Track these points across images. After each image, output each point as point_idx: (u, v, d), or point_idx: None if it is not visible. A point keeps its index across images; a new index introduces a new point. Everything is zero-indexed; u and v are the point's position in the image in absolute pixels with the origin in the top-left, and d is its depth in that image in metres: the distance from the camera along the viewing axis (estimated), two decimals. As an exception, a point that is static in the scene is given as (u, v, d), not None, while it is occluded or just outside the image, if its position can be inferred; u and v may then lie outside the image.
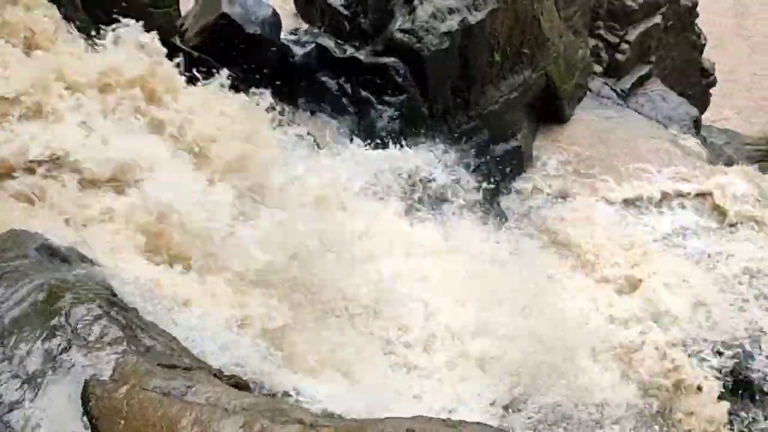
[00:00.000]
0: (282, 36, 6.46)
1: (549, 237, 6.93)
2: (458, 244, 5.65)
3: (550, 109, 8.16)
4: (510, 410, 4.67)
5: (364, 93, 6.65)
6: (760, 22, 12.84)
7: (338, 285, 4.26)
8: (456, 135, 6.95)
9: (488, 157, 7.12)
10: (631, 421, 5.32)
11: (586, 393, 5.11)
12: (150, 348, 2.46)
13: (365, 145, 6.16)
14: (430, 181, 6.16)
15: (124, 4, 5.13)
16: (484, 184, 6.57)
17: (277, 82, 5.98)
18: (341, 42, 6.82)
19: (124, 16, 4.95)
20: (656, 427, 5.38)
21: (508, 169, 7.36)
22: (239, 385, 2.54)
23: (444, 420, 2.18)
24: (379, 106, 6.62)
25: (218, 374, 2.52)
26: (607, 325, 5.98)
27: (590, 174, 7.74)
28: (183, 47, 5.72)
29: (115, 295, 2.75)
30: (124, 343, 2.39)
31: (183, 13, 6.20)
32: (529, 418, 4.74)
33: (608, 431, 4.97)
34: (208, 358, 2.83)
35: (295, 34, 6.83)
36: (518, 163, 7.51)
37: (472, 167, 6.64)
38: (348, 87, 6.65)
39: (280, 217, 4.24)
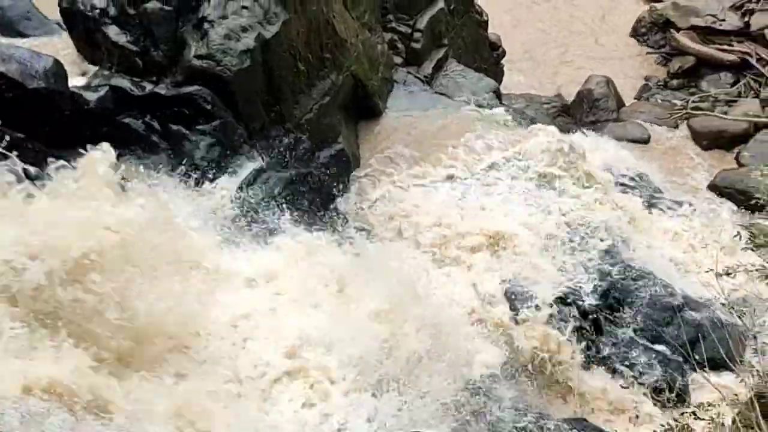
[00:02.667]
0: (70, 84, 6.02)
1: (390, 229, 7.07)
2: (302, 257, 5.58)
3: (364, 106, 8.33)
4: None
5: (174, 127, 6.39)
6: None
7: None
8: (279, 149, 6.88)
9: (315, 164, 7.12)
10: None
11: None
12: None
13: (186, 180, 5.90)
14: (257, 203, 6.03)
15: None
16: (317, 193, 6.55)
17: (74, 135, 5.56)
18: (137, 79, 6.50)
19: None
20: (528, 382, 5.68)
21: (337, 173, 7.41)
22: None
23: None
24: (194, 137, 6.38)
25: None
26: (466, 296, 6.20)
27: (415, 160, 7.99)
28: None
29: None
30: None
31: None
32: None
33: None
34: None
35: (85, 80, 6.42)
36: (345, 164, 7.59)
37: (300, 178, 6.59)
38: (155, 124, 6.34)
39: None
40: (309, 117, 7.28)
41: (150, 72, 6.48)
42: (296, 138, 7.10)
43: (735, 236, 3.66)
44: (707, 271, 4.50)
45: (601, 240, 7.23)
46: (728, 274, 3.53)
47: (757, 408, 2.95)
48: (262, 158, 6.51)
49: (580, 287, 6.64)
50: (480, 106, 8.79)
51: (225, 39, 6.38)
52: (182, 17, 6.51)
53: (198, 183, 6.03)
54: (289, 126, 7.06)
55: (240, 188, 6.10)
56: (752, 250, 3.52)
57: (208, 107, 6.33)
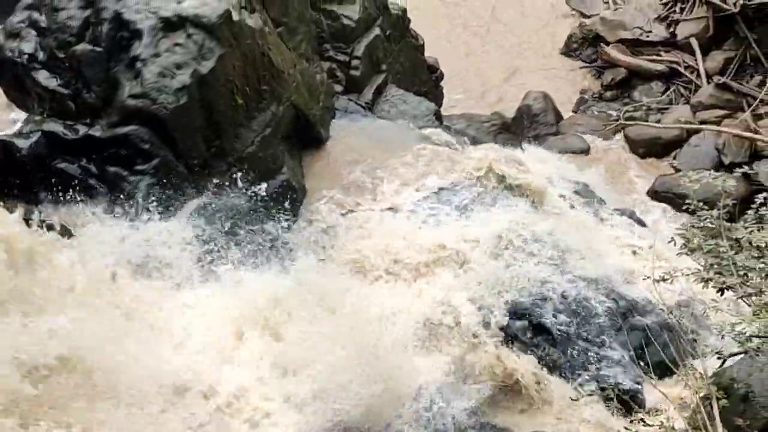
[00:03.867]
0: (0, 132, 5.88)
1: (341, 257, 7.05)
2: (250, 297, 5.52)
3: (307, 136, 8.32)
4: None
5: (112, 169, 6.28)
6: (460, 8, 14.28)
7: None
8: (222, 184, 6.81)
9: (260, 197, 7.07)
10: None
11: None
12: None
13: (126, 222, 5.78)
14: (207, 242, 5.95)
15: None
16: (263, 226, 6.49)
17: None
18: (71, 123, 6.38)
19: None
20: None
21: (282, 204, 7.37)
22: None
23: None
24: (133, 178, 6.28)
25: None
26: (415, 315, 6.21)
27: (360, 186, 8.01)
28: None
29: None
30: None
31: None
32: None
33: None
34: None
35: (16, 127, 6.26)
36: (291, 194, 7.55)
37: (245, 211, 6.53)
38: (92, 167, 6.23)
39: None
40: (251, 150, 7.24)
41: (83, 115, 6.38)
42: (239, 172, 7.04)
43: (669, 242, 3.75)
44: (644, 279, 4.60)
45: (548, 251, 7.36)
46: (665, 280, 3.63)
47: (703, 410, 3.02)
48: (205, 195, 6.43)
49: (530, 299, 6.74)
50: (422, 128, 8.90)
51: (159, 77, 6.32)
52: (114, 58, 6.44)
53: (138, 223, 5.90)
54: (230, 160, 7.01)
55: (182, 226, 6.00)
56: (687, 254, 3.62)
57: (146, 147, 6.25)
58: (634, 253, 7.91)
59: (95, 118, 6.38)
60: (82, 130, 6.29)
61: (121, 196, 6.11)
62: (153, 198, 6.19)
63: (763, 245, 3.30)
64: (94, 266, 4.79)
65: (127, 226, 5.82)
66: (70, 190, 6.02)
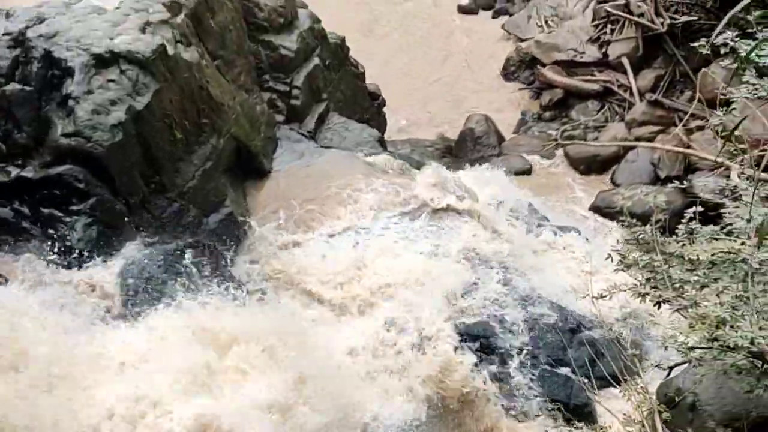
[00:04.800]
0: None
1: (287, 287, 6.97)
2: (188, 331, 5.38)
3: (249, 167, 8.25)
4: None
5: (46, 210, 6.10)
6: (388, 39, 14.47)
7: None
8: (163, 220, 6.68)
9: (203, 231, 6.95)
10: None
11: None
12: None
13: (63, 264, 5.60)
14: (148, 279, 5.80)
15: None
16: (207, 260, 6.37)
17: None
18: (2, 165, 6.18)
19: None
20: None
21: (227, 237, 7.26)
22: None
23: None
24: (68, 219, 6.11)
25: None
26: (364, 343, 6.17)
27: (307, 216, 7.96)
28: None
29: None
30: None
31: None
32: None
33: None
34: None
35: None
36: (235, 227, 7.45)
37: (188, 247, 6.40)
38: (25, 209, 6.03)
39: None
40: (192, 184, 7.13)
41: (15, 156, 6.20)
42: (180, 207, 6.92)
43: (606, 258, 3.82)
44: (583, 297, 4.67)
45: (496, 272, 7.43)
46: (603, 297, 3.69)
47: (647, 425, 3.06)
48: (145, 232, 6.29)
49: (480, 320, 6.77)
50: (365, 155, 8.92)
51: (93, 114, 6.19)
52: (45, 96, 6.29)
53: (74, 266, 5.72)
54: (171, 195, 6.89)
55: (121, 266, 5.84)
56: (623, 270, 3.69)
57: (81, 186, 6.09)
58: (579, 268, 8.06)
59: (27, 159, 6.20)
60: (14, 171, 6.10)
61: (56, 238, 5.92)
62: (89, 238, 6.02)
63: (695, 258, 3.39)
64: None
65: (60, 267, 5.61)
66: (3, 235, 5.80)
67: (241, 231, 7.52)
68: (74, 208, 6.08)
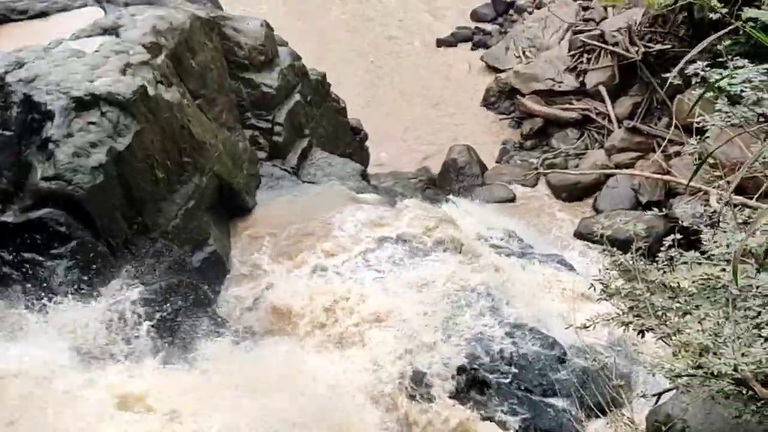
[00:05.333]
0: None
1: (274, 325, 6.91)
2: (176, 376, 5.32)
3: (233, 205, 8.24)
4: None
5: (26, 255, 6.04)
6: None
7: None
8: (146, 261, 6.63)
9: (187, 271, 6.91)
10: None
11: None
12: None
13: (42, 308, 5.53)
14: (123, 323, 5.74)
15: None
16: (191, 299, 6.33)
17: None
18: (-19, 209, 6.12)
19: None
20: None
21: (212, 276, 7.22)
22: None
23: None
24: (50, 263, 6.06)
25: None
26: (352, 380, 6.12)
27: (291, 251, 7.93)
28: None
29: None
30: None
31: None
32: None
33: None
34: None
35: None
36: (220, 265, 7.42)
37: (172, 287, 6.35)
38: (5, 254, 5.97)
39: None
40: (175, 223, 7.11)
41: (-6, 201, 6.14)
42: (163, 246, 6.88)
43: (589, 288, 3.83)
44: (566, 328, 4.67)
45: (482, 302, 7.42)
46: (586, 328, 3.69)
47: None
48: (128, 274, 6.23)
49: (469, 351, 6.74)
50: (349, 189, 8.94)
51: (74, 157, 6.18)
52: (25, 141, 6.28)
53: (55, 309, 5.65)
54: (154, 235, 6.85)
55: (104, 309, 5.78)
56: (606, 300, 3.70)
57: (62, 229, 6.05)
58: (564, 295, 8.07)
59: (7, 204, 6.16)
60: (-7, 216, 6.05)
61: (38, 282, 5.86)
62: (71, 281, 5.97)
63: (676, 285, 3.40)
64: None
65: (42, 312, 5.55)
66: (-18, 281, 5.74)
67: (225, 269, 7.48)
68: (55, 251, 6.04)
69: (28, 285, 5.87)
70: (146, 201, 6.79)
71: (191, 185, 7.43)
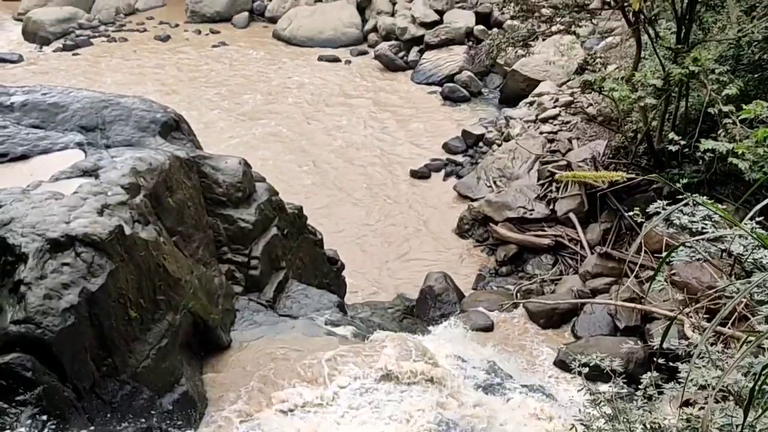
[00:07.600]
0: None
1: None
2: None
3: (207, 341, 8.09)
4: None
5: (-11, 402, 5.78)
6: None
7: None
8: (113, 405, 6.39)
9: (157, 414, 6.65)
10: None
11: None
12: None
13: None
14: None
15: None
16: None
17: None
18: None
19: None
20: None
21: (184, 419, 6.95)
22: None
23: None
24: (13, 410, 5.80)
25: None
26: None
27: (266, 390, 7.72)
28: None
29: None
30: None
31: None
32: None
33: None
34: None
35: None
36: (191, 407, 7.16)
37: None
38: (-34, 403, 5.71)
39: None
40: (146, 363, 6.92)
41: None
42: (133, 389, 6.67)
43: (570, 429, 3.76)
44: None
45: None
46: (570, 473, 3.59)
47: None
48: (93, 421, 5.98)
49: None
50: (326, 323, 8.86)
51: (45, 299, 6.09)
52: (-4, 283, 6.19)
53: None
54: (124, 377, 6.65)
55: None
56: (589, 440, 3.63)
57: (28, 375, 5.85)
58: (548, 428, 7.87)
59: (-27, 352, 5.97)
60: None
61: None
62: (35, 430, 5.69)
63: (657, 427, 3.36)
64: None
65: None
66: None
67: (197, 410, 7.22)
68: (19, 398, 5.80)
69: (-11, 436, 5.59)
70: (117, 341, 6.64)
71: (165, 323, 7.32)
